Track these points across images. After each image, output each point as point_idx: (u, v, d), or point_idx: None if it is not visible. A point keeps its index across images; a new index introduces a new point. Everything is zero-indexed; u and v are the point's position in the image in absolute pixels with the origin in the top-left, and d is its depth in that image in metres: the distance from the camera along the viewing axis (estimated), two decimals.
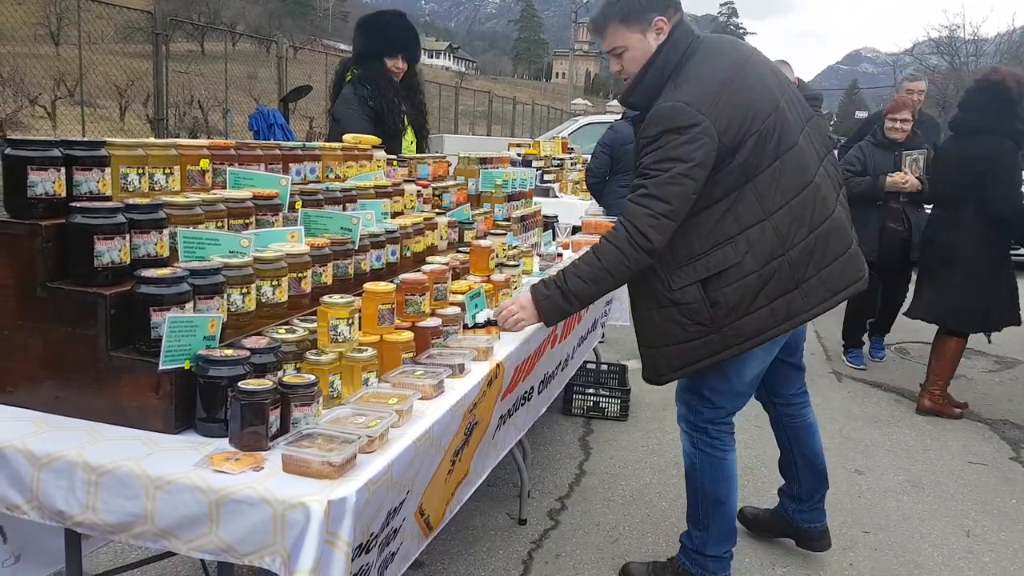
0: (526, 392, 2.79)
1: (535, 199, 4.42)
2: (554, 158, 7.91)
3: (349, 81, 3.96)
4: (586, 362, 4.53)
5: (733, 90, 2.25)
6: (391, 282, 2.21)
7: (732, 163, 2.25)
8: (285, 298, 1.98)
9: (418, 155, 3.57)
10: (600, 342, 4.67)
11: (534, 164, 7.47)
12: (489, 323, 2.48)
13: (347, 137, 3.07)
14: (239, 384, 1.59)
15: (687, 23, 2.40)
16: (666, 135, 2.22)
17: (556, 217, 4.53)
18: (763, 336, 2.34)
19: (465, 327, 2.47)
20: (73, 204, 1.70)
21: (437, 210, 3.29)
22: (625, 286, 2.50)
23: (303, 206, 2.36)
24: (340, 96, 3.95)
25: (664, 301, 2.37)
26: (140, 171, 1.93)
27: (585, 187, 7.75)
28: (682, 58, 2.32)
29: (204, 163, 2.17)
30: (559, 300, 2.37)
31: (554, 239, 4.17)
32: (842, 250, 2.39)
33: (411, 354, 2.15)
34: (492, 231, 3.43)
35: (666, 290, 2.36)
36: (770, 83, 2.35)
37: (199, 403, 1.67)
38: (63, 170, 1.73)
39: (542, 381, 3.03)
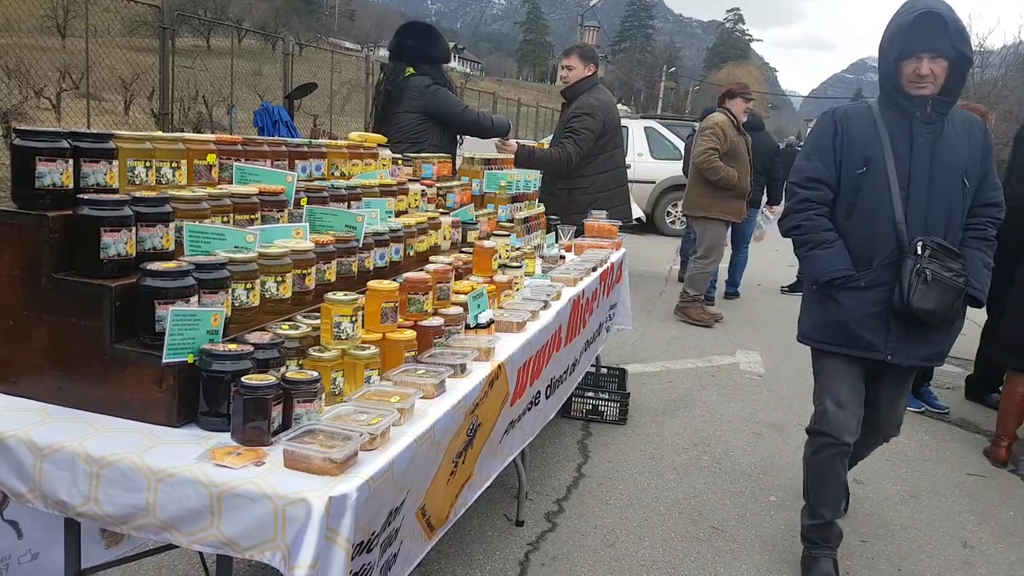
0: (534, 397, 2.80)
1: (539, 201, 4.43)
2: None
3: (414, 76, 4.42)
4: None
5: (610, 110, 5.00)
6: (394, 280, 2.21)
7: (601, 140, 4.91)
8: (289, 294, 1.98)
9: (423, 155, 3.58)
10: (619, 329, 4.87)
11: None
12: (491, 323, 2.49)
13: (352, 135, 3.08)
14: (242, 379, 1.60)
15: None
16: (584, 116, 4.86)
17: (559, 219, 4.54)
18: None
19: (467, 327, 2.48)
20: (80, 196, 1.70)
21: (441, 210, 3.30)
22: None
23: (308, 203, 2.37)
24: (425, 86, 4.39)
25: (552, 190, 4.97)
26: (147, 164, 1.94)
27: None
28: (593, 85, 4.98)
29: (211, 158, 2.18)
30: (526, 155, 4.78)
31: (557, 241, 4.17)
32: (616, 203, 5.02)
33: (413, 353, 2.16)
34: (495, 232, 3.43)
35: (556, 185, 4.99)
36: (617, 119, 5.10)
37: (202, 397, 1.67)
38: (71, 162, 1.73)
39: (549, 385, 3.03)
